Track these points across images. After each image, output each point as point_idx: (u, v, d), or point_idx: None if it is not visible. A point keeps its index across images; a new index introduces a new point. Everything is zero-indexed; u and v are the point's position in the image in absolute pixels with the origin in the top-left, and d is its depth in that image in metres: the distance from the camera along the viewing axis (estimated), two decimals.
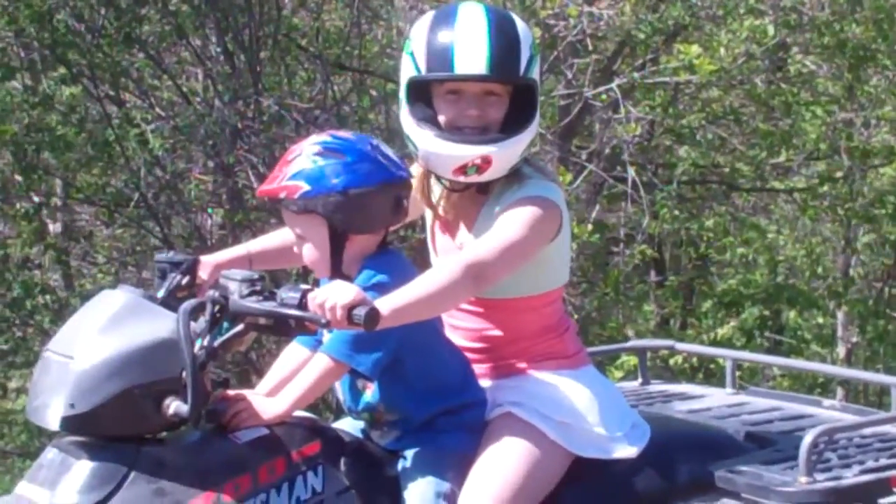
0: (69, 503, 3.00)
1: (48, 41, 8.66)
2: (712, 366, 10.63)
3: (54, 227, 10.15)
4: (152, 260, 3.66)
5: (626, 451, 3.42)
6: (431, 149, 3.35)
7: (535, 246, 3.31)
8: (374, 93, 9.37)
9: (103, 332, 3.08)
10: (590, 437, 3.39)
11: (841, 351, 12.80)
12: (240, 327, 3.13)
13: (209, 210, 9.31)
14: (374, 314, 2.98)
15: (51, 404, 3.04)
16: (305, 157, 3.25)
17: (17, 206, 9.52)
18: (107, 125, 8.86)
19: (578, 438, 3.38)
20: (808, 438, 3.36)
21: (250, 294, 3.09)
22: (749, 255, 12.66)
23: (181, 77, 9.54)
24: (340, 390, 3.39)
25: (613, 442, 3.41)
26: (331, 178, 3.21)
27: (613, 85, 8.85)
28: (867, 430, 3.70)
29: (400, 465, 3.32)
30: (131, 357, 3.04)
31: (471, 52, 3.31)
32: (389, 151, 3.30)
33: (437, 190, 3.51)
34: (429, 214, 3.58)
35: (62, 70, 9.05)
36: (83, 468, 3.02)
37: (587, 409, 3.41)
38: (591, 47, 9.00)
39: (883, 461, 3.54)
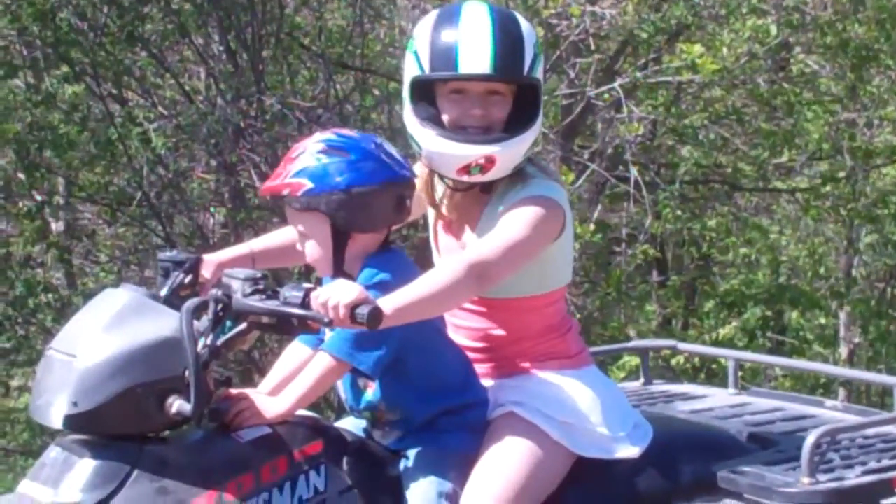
0: (72, 501, 3.00)
1: (51, 39, 8.64)
2: (714, 366, 10.65)
3: (57, 226, 10.13)
4: (155, 259, 3.66)
5: (629, 451, 3.41)
6: (435, 148, 3.35)
7: (538, 246, 3.30)
8: (376, 92, 9.37)
9: (106, 330, 3.07)
10: (592, 437, 3.39)
11: (843, 351, 12.81)
12: (243, 326, 3.13)
13: (212, 209, 9.31)
14: (376, 313, 2.98)
15: (54, 402, 3.04)
16: (309, 154, 3.24)
17: (20, 204, 9.51)
18: (109, 124, 8.85)
19: (581, 438, 3.38)
20: (810, 439, 3.35)
21: (253, 293, 3.09)
22: (751, 256, 12.65)
23: (184, 76, 9.54)
24: (342, 389, 3.39)
25: (616, 442, 3.41)
26: (334, 175, 3.21)
27: (616, 84, 8.85)
28: (869, 431, 3.70)
29: (402, 465, 3.32)
30: (134, 356, 3.04)
31: (475, 52, 3.30)
32: (393, 150, 3.30)
33: (440, 189, 3.51)
34: (432, 214, 3.57)
35: (65, 68, 9.04)
36: (86, 466, 3.02)
37: (590, 409, 3.40)
38: (593, 47, 8.99)
39: (885, 462, 3.53)
